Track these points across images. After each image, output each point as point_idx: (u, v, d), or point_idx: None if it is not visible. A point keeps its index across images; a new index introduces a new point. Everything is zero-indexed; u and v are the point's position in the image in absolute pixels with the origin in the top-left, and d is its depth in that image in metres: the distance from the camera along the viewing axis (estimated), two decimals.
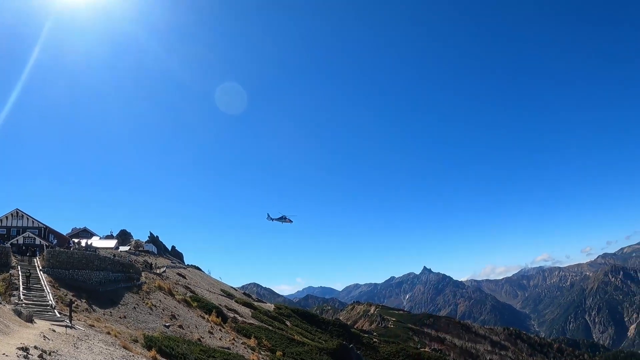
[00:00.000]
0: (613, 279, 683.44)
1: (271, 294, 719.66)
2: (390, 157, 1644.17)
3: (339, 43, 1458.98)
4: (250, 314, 76.27)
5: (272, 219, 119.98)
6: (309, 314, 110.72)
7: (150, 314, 41.98)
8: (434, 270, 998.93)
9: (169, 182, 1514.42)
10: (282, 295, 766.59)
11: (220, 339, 44.18)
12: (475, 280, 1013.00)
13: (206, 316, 53.52)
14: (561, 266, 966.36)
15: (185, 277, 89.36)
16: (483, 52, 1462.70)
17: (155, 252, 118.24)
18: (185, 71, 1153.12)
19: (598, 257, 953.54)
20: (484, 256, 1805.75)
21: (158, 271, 77.75)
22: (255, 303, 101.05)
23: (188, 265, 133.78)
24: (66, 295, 36.55)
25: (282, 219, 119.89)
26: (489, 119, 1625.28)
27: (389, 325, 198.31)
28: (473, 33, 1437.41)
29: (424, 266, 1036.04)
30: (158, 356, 27.04)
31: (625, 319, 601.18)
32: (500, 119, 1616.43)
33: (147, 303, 45.06)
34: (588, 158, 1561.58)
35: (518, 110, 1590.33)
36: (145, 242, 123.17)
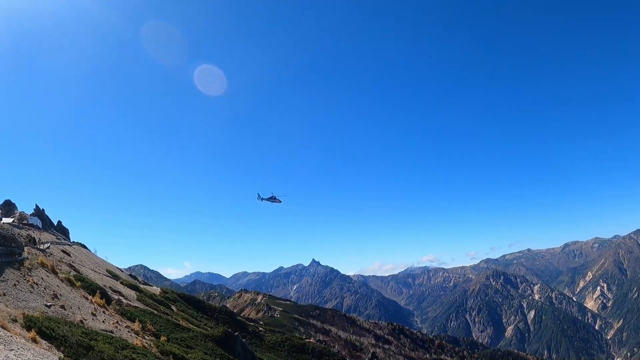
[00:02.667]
0: (494, 282, 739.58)
1: (158, 277, 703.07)
2: (284, 150, 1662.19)
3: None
4: (135, 296, 75.35)
5: (262, 199, 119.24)
6: (196, 300, 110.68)
7: (31, 292, 40.89)
8: (323, 263, 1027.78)
9: (57, 153, 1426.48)
10: (169, 279, 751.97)
11: (103, 321, 43.98)
12: (362, 276, 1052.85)
13: (90, 297, 52.58)
14: (446, 267, 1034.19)
15: (70, 255, 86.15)
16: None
17: (41, 226, 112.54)
18: None
19: (481, 261, 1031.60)
20: (372, 253, 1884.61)
21: (42, 247, 74.42)
22: (142, 286, 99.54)
23: (74, 242, 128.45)
24: None
25: (272, 199, 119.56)
26: (390, 131, 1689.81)
27: (276, 315, 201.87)
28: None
29: (313, 259, 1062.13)
30: (38, 337, 26.93)
31: (504, 321, 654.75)
32: (402, 128, 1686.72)
33: (29, 280, 43.71)
34: (477, 170, 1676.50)
35: (419, 119, 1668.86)
36: (31, 215, 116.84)
